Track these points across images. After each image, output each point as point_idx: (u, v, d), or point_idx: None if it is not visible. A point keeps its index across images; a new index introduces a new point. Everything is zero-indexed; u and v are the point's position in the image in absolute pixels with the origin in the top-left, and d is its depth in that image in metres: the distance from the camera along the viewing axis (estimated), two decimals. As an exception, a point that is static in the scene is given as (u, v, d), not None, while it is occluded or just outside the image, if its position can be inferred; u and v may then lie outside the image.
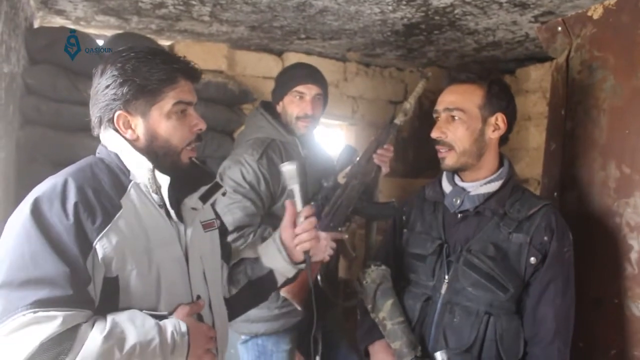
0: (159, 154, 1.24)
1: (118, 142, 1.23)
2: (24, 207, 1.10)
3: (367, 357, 1.79)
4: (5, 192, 2.13)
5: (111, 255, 1.12)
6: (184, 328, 1.16)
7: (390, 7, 2.30)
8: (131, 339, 1.08)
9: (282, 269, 1.46)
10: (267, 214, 2.02)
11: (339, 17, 2.48)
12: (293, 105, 2.06)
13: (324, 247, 1.98)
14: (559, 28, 2.04)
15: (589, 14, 1.92)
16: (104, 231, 1.12)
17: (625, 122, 1.79)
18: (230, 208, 1.93)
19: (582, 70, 1.95)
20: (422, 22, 2.47)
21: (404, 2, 2.22)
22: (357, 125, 3.53)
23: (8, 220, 1.13)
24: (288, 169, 1.38)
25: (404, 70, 3.57)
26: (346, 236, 2.14)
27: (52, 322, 1.02)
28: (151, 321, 1.13)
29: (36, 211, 1.08)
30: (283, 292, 1.93)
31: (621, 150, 1.79)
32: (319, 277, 2.06)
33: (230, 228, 1.86)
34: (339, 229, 2.07)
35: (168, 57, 1.27)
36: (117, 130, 1.23)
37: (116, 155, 1.24)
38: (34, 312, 1.01)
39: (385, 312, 1.66)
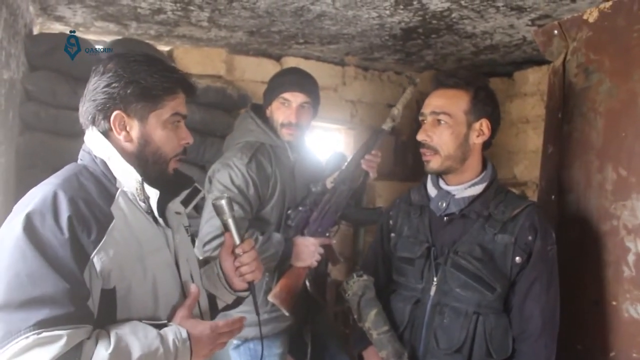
0: (149, 161, 1.23)
1: (106, 149, 1.21)
2: (15, 224, 1.06)
3: None
4: (5, 197, 2.14)
5: (109, 268, 1.10)
6: (184, 334, 1.15)
7: (387, 12, 2.31)
8: (136, 352, 1.07)
9: (222, 295, 1.46)
10: (255, 218, 2.02)
11: (336, 22, 2.49)
12: (279, 112, 2.06)
13: (311, 253, 1.99)
14: (555, 31, 2.05)
15: (585, 17, 1.93)
16: (101, 244, 1.09)
17: (622, 124, 1.79)
18: None
19: (578, 74, 1.96)
20: (420, 26, 2.49)
21: (402, 7, 2.23)
22: (356, 130, 3.53)
23: None
24: (219, 203, 1.37)
25: (402, 74, 3.58)
26: (334, 241, 2.15)
27: (57, 343, 0.99)
28: (153, 331, 1.12)
29: (28, 227, 1.04)
30: (270, 298, 1.94)
31: (618, 152, 1.80)
32: (307, 282, 2.06)
33: (218, 232, 1.87)
34: (327, 234, 2.08)
35: (170, 67, 1.28)
36: (107, 133, 1.21)
37: (102, 161, 1.21)
38: (38, 334, 0.98)
39: (370, 323, 1.68)
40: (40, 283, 1.02)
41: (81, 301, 1.06)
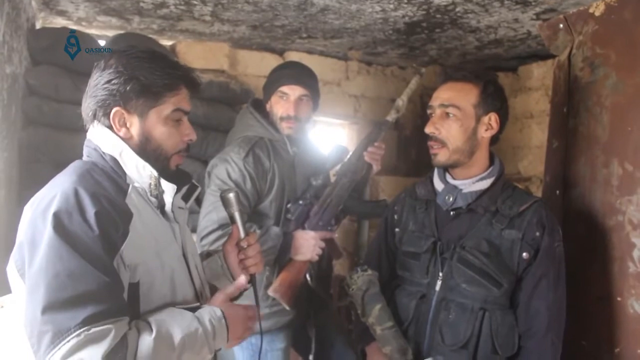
0: (150, 157, 1.23)
1: (117, 144, 1.21)
2: (43, 226, 1.05)
3: (363, 358, 1.81)
4: (8, 192, 2.14)
5: (136, 262, 1.12)
6: (219, 313, 1.18)
7: (391, 6, 2.29)
8: (178, 334, 1.09)
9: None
10: (253, 212, 2.01)
11: (340, 16, 2.47)
12: (278, 106, 2.06)
13: (311, 247, 1.98)
14: (561, 25, 2.03)
15: (591, 10, 1.92)
16: (127, 238, 1.11)
17: (628, 119, 1.78)
18: (216, 206, 1.90)
19: (584, 68, 1.95)
20: (424, 20, 2.47)
21: (405, 1, 2.22)
22: (359, 124, 3.53)
23: (22, 244, 1.09)
24: (228, 196, 1.38)
25: (406, 69, 3.56)
26: (336, 235, 2.13)
27: (107, 337, 1.00)
28: (189, 314, 1.15)
29: (59, 227, 1.04)
30: (270, 292, 1.93)
31: (624, 147, 1.79)
32: (308, 277, 2.05)
33: (215, 226, 1.88)
34: (328, 227, 2.06)
35: (173, 62, 1.27)
36: (111, 128, 1.21)
37: (112, 158, 1.21)
38: (87, 330, 0.99)
39: (374, 318, 1.67)
40: (81, 280, 1.02)
41: (119, 294, 1.08)
